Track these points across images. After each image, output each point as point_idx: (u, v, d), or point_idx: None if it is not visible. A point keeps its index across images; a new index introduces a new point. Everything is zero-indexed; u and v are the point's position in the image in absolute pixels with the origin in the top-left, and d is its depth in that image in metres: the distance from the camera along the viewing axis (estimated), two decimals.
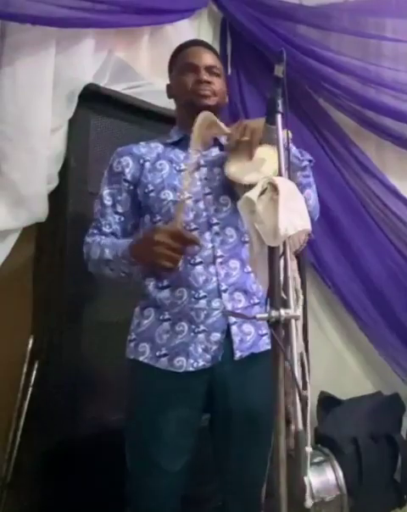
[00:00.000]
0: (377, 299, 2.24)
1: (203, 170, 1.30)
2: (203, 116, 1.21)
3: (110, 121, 1.79)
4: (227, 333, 1.19)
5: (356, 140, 2.28)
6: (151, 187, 1.28)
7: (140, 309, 1.28)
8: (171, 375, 1.19)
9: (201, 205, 1.25)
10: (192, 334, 1.20)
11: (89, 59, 1.70)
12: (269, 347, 1.22)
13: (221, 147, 1.35)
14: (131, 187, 1.31)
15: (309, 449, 0.74)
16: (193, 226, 1.23)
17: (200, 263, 1.21)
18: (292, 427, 0.77)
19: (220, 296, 1.20)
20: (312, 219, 1.34)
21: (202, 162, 1.31)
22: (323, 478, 1.70)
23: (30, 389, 1.54)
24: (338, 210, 2.22)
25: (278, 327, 0.82)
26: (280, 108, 0.98)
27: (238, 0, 2.20)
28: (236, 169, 1.19)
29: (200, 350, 1.19)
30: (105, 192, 1.32)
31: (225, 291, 1.21)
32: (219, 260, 1.22)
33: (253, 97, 2.26)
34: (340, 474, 1.72)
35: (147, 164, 1.31)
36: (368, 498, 1.84)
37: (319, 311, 2.34)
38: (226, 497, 1.30)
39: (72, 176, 1.67)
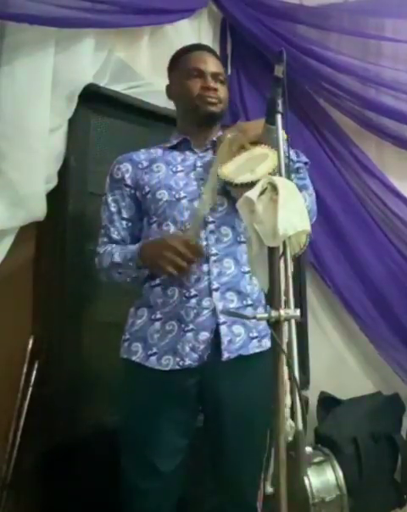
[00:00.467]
0: (377, 299, 2.24)
1: (199, 171, 1.31)
2: (230, 141, 1.22)
3: (110, 121, 1.79)
4: (216, 333, 1.19)
5: (356, 140, 2.27)
6: (147, 189, 1.29)
7: (134, 309, 1.29)
8: (160, 373, 1.19)
9: (196, 204, 1.26)
10: (181, 333, 1.20)
11: (89, 59, 1.70)
12: (259, 350, 1.23)
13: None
14: (133, 192, 1.33)
15: (309, 449, 0.74)
16: (188, 226, 1.24)
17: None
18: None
19: (210, 295, 1.20)
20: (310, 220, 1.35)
21: (199, 163, 1.32)
22: (323, 478, 1.70)
23: (30, 389, 1.54)
24: (338, 210, 2.22)
25: (278, 327, 0.82)
26: (280, 108, 0.98)
27: (238, 0, 2.20)
28: (228, 170, 1.19)
29: (187, 349, 1.19)
30: (109, 199, 1.34)
31: (216, 290, 1.21)
32: (212, 258, 1.22)
33: (253, 97, 2.26)
34: (340, 474, 1.72)
35: (145, 168, 1.33)
36: (368, 498, 1.84)
37: (319, 311, 2.34)
38: (222, 498, 1.30)
39: (72, 176, 1.67)
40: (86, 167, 1.70)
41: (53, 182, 1.61)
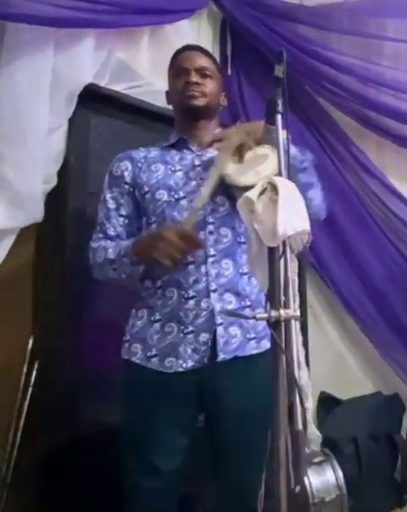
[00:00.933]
0: (377, 299, 2.24)
1: (199, 170, 1.31)
2: (237, 144, 1.21)
3: (110, 121, 1.79)
4: (215, 334, 1.19)
5: (356, 140, 2.27)
6: (146, 188, 1.29)
7: (135, 310, 1.30)
8: (162, 375, 1.20)
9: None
10: (181, 335, 1.20)
11: (89, 59, 1.70)
12: (256, 351, 1.23)
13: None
14: (132, 189, 1.33)
15: (308, 449, 0.74)
16: (183, 219, 1.24)
17: (191, 262, 1.22)
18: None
19: (208, 296, 1.20)
20: (319, 219, 1.35)
21: (197, 162, 1.32)
22: (323, 478, 1.70)
23: (30, 389, 1.54)
24: (338, 210, 2.22)
25: (278, 327, 0.82)
26: (280, 108, 0.98)
27: (238, 0, 2.20)
28: (232, 171, 1.19)
29: (189, 351, 1.19)
30: (108, 196, 1.34)
31: (214, 291, 1.21)
32: (211, 260, 1.22)
33: (253, 97, 2.26)
34: (340, 474, 1.71)
35: (144, 167, 1.33)
36: (368, 498, 1.84)
37: (319, 311, 2.34)
38: (223, 499, 1.30)
39: (72, 176, 1.67)
40: (86, 167, 1.70)
41: (53, 182, 1.61)
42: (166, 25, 1.96)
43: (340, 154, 2.26)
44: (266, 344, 1.23)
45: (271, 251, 0.86)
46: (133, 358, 1.23)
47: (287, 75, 0.98)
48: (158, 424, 1.20)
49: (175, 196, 1.27)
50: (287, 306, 0.82)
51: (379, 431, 1.98)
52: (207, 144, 1.35)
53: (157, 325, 1.23)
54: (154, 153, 1.37)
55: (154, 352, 1.21)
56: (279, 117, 0.97)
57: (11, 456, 1.49)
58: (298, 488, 0.73)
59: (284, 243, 0.85)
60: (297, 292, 0.97)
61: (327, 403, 2.13)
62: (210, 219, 1.25)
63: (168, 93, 1.42)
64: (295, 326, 0.81)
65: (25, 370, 1.56)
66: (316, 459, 1.77)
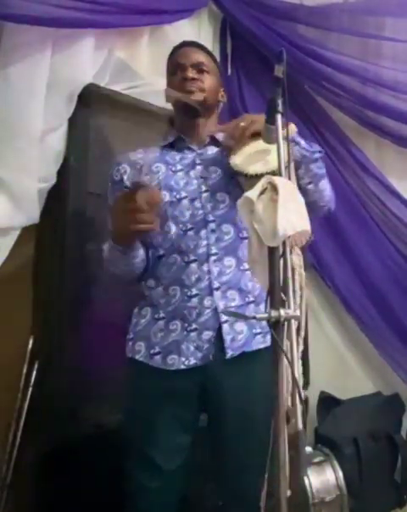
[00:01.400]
0: (377, 299, 2.24)
1: (199, 168, 1.31)
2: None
3: (110, 121, 1.79)
4: (219, 332, 1.20)
5: (356, 140, 2.27)
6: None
7: (138, 309, 1.30)
8: (164, 373, 1.20)
9: (197, 204, 1.26)
10: (185, 332, 1.20)
11: (89, 59, 1.70)
12: (262, 345, 1.23)
13: (217, 145, 1.35)
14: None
15: (309, 449, 0.74)
16: (189, 226, 1.24)
17: (194, 261, 1.22)
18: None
19: (211, 294, 1.20)
20: (329, 210, 1.36)
21: (198, 160, 1.32)
22: (323, 478, 1.70)
23: (30, 389, 1.54)
24: (338, 210, 2.21)
25: (278, 327, 0.82)
26: (280, 108, 0.98)
27: (238, 0, 2.20)
28: (240, 161, 1.19)
29: (192, 348, 1.19)
30: (111, 201, 1.33)
31: (217, 289, 1.21)
32: (213, 258, 1.22)
33: (253, 97, 2.25)
34: (340, 474, 1.72)
35: (144, 168, 1.32)
36: (368, 498, 1.84)
37: (319, 311, 2.34)
38: (225, 499, 1.30)
39: (72, 176, 1.67)
40: (86, 167, 1.70)
41: (52, 181, 1.61)
42: (166, 25, 1.96)
43: (339, 154, 2.26)
44: None
45: (271, 251, 0.86)
46: (137, 356, 1.24)
47: (287, 74, 0.98)
48: (160, 422, 1.20)
49: (177, 196, 1.27)
50: (286, 306, 0.82)
51: (379, 431, 1.98)
52: (207, 141, 1.35)
53: (161, 323, 1.23)
54: (153, 153, 1.36)
55: (157, 349, 1.22)
56: (279, 117, 0.97)
57: (11, 456, 1.49)
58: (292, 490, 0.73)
59: (284, 243, 0.85)
60: (304, 286, 0.97)
61: (327, 403, 2.13)
62: (211, 217, 1.25)
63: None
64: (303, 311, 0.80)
65: (25, 370, 1.56)
66: (316, 459, 1.77)
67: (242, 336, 1.21)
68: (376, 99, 2.18)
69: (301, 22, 2.23)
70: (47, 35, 1.54)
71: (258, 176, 1.08)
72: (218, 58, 2.08)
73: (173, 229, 1.24)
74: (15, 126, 1.49)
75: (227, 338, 1.19)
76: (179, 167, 1.31)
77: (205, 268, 1.22)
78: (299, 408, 0.77)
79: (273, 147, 1.12)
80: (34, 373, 1.55)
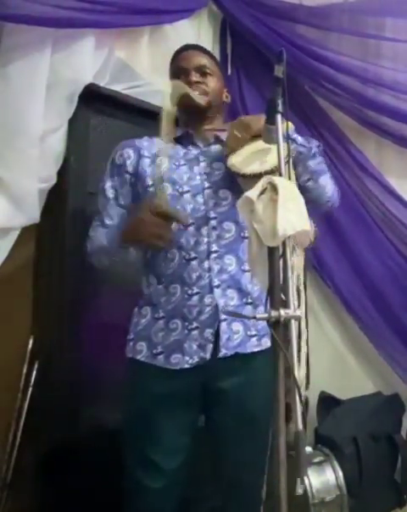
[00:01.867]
0: (377, 299, 2.24)
1: (203, 165, 1.30)
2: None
3: (110, 121, 1.79)
4: (217, 330, 1.20)
5: (355, 140, 2.27)
6: (150, 182, 1.28)
7: (138, 308, 1.29)
8: (168, 372, 1.20)
9: (200, 199, 1.26)
10: (186, 331, 1.20)
11: (89, 59, 1.69)
12: (257, 349, 1.23)
13: (222, 144, 1.35)
14: (133, 179, 1.32)
15: (309, 449, 0.74)
16: (190, 221, 1.23)
17: (195, 258, 1.22)
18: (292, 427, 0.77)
19: (211, 292, 1.20)
20: (333, 206, 1.36)
21: (202, 157, 1.32)
22: (323, 478, 1.70)
23: (30, 389, 1.54)
24: (338, 210, 2.21)
25: (278, 327, 0.82)
26: (280, 108, 0.98)
27: (238, 0, 2.20)
28: (236, 161, 1.19)
29: (195, 347, 1.19)
30: (107, 184, 1.33)
31: (217, 287, 1.21)
32: (213, 255, 1.22)
33: (253, 97, 2.26)
34: (340, 474, 1.72)
35: (147, 160, 1.32)
36: (368, 498, 1.84)
37: (319, 311, 2.34)
38: (225, 498, 1.30)
39: (72, 176, 1.67)
40: (86, 167, 1.70)
41: (51, 182, 1.61)
42: (166, 25, 1.96)
43: (339, 154, 2.26)
44: (267, 342, 1.23)
45: (271, 251, 0.86)
46: (138, 356, 1.23)
47: (287, 74, 0.98)
48: (161, 422, 1.20)
49: (179, 189, 1.26)
50: (286, 306, 0.82)
51: (379, 431, 1.98)
52: (212, 141, 1.35)
53: (161, 322, 1.23)
54: (158, 144, 1.35)
55: (160, 349, 1.21)
56: (279, 117, 0.97)
57: (11, 456, 1.49)
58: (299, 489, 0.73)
59: (284, 243, 0.85)
60: (302, 287, 0.97)
61: (327, 403, 2.13)
62: (212, 215, 1.24)
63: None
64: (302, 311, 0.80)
65: (25, 370, 1.56)
66: (316, 459, 1.77)
67: (237, 337, 1.21)
68: (376, 99, 2.18)
69: (301, 22, 2.23)
70: (47, 35, 1.54)
71: (254, 176, 1.08)
72: (218, 58, 2.08)
73: (174, 223, 1.24)
74: (16, 126, 1.49)
75: (223, 337, 1.19)
76: (183, 162, 1.31)
77: (206, 265, 1.21)
78: (299, 408, 0.77)
79: (272, 147, 1.13)
80: (34, 373, 1.55)
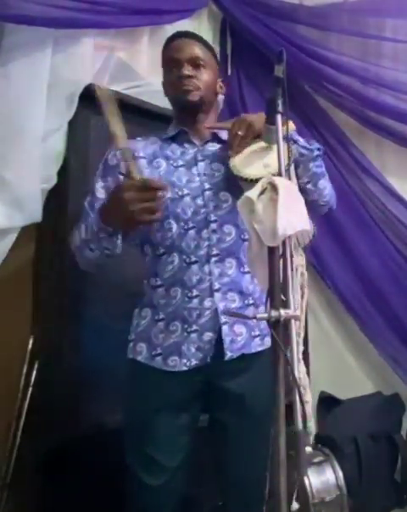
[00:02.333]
0: (377, 299, 2.24)
1: (201, 165, 1.29)
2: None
3: None
4: (219, 333, 1.19)
5: (356, 140, 2.27)
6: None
7: (138, 310, 1.29)
8: (166, 374, 1.20)
9: (199, 201, 1.24)
10: (185, 334, 1.20)
11: (89, 59, 1.70)
12: (261, 348, 1.23)
13: (219, 141, 1.34)
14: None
15: (309, 449, 0.74)
16: (191, 224, 1.22)
17: (195, 262, 1.21)
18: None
19: (212, 295, 1.20)
20: (331, 208, 1.35)
21: (199, 157, 1.30)
22: (323, 478, 1.70)
23: (30, 389, 1.54)
24: (338, 210, 2.21)
25: (278, 327, 0.82)
26: (280, 108, 0.98)
27: (238, 0, 2.20)
28: (238, 163, 1.18)
29: (193, 349, 1.19)
30: (99, 184, 1.29)
31: (217, 290, 1.20)
32: (213, 259, 1.21)
33: (253, 97, 2.26)
34: (340, 474, 1.72)
35: (143, 161, 1.29)
36: (368, 498, 1.84)
37: (319, 311, 2.34)
38: (227, 498, 1.30)
39: (72, 176, 1.67)
40: (86, 167, 1.70)
41: (52, 182, 1.61)
42: (166, 25, 1.95)
43: (339, 154, 2.26)
44: (269, 341, 1.23)
45: (271, 251, 0.86)
46: (138, 358, 1.24)
47: (287, 74, 0.98)
48: (160, 422, 1.20)
49: (179, 192, 1.25)
50: (286, 306, 0.82)
51: (379, 431, 1.98)
52: (208, 137, 1.34)
53: (161, 324, 1.23)
54: (154, 144, 1.34)
55: (159, 351, 1.21)
56: (279, 117, 0.97)
57: (11, 456, 1.49)
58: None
59: (284, 243, 0.85)
60: (306, 285, 0.97)
61: (327, 403, 2.13)
62: (213, 217, 1.23)
63: (163, 84, 1.38)
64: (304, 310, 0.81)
65: (25, 370, 1.56)
66: (316, 459, 1.77)
67: (241, 338, 1.21)
68: (377, 99, 2.18)
69: (301, 22, 2.23)
70: (48, 35, 1.54)
71: (257, 181, 1.07)
72: (218, 58, 2.08)
73: (174, 227, 1.22)
74: (18, 126, 1.49)
75: (227, 340, 1.19)
76: (180, 162, 1.29)
77: (206, 269, 1.21)
78: (299, 408, 0.77)
79: (273, 147, 1.12)
80: (34, 373, 1.55)
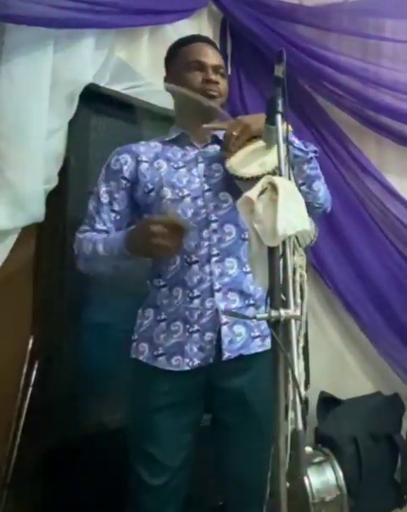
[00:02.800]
0: (377, 299, 2.24)
1: (201, 167, 1.30)
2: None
3: (110, 121, 1.79)
4: (219, 333, 1.20)
5: (355, 139, 2.28)
6: (150, 186, 1.28)
7: (142, 310, 1.30)
8: (168, 374, 1.20)
9: (200, 202, 1.25)
10: (187, 334, 1.20)
11: (89, 59, 1.70)
12: (260, 349, 1.23)
13: (220, 143, 1.34)
14: (129, 185, 1.30)
15: (309, 449, 0.74)
16: (191, 224, 1.23)
17: (196, 262, 1.22)
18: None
19: (212, 295, 1.20)
20: (325, 211, 1.35)
21: (200, 158, 1.31)
22: (323, 478, 1.70)
23: (30, 389, 1.54)
24: (338, 210, 2.22)
25: (278, 327, 0.82)
26: (280, 108, 0.98)
27: (238, 0, 2.20)
28: (234, 163, 1.19)
29: (195, 349, 1.20)
30: (102, 189, 1.30)
31: (218, 290, 1.21)
32: (214, 259, 1.22)
33: (253, 97, 2.26)
34: (340, 474, 1.72)
35: (145, 164, 1.31)
36: (368, 497, 1.84)
37: (319, 311, 2.34)
38: (228, 497, 1.30)
39: (72, 176, 1.67)
40: (86, 167, 1.70)
41: (53, 183, 1.61)
42: (166, 25, 1.96)
43: (339, 154, 2.26)
44: (270, 342, 1.23)
45: (271, 251, 0.86)
46: (141, 358, 1.24)
47: (287, 74, 0.98)
48: (162, 421, 1.20)
49: (180, 194, 1.25)
50: (286, 306, 0.82)
51: (379, 431, 1.98)
52: (209, 139, 1.34)
53: (163, 325, 1.23)
54: (156, 148, 1.34)
55: (161, 351, 1.22)
56: (279, 117, 0.97)
57: (11, 456, 1.49)
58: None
59: (284, 243, 0.85)
60: (305, 288, 0.96)
61: (327, 403, 2.13)
62: (213, 217, 1.24)
63: (166, 79, 1.37)
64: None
65: (25, 370, 1.56)
66: (316, 459, 1.77)
67: (240, 339, 1.21)
68: (376, 99, 2.18)
69: (301, 22, 2.23)
70: (49, 34, 1.54)
71: (254, 179, 1.07)
72: None
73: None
74: (21, 126, 1.49)
75: (225, 340, 1.19)
76: (181, 164, 1.30)
77: (207, 269, 1.21)
78: (299, 408, 0.77)
79: (271, 147, 1.12)
80: (34, 373, 1.55)
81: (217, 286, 1.21)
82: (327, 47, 2.21)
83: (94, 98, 1.70)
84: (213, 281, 1.21)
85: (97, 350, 1.66)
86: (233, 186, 1.22)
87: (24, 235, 1.56)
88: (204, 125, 1.32)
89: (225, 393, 1.22)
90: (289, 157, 1.14)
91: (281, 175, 0.91)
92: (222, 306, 1.20)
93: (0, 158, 1.48)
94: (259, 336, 1.24)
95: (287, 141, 0.95)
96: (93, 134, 1.74)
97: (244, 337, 1.22)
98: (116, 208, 1.30)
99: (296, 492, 0.75)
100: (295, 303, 0.84)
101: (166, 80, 1.38)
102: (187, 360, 1.19)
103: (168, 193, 1.25)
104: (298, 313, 0.82)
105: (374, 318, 2.24)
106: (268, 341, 1.24)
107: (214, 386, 1.22)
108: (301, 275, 1.04)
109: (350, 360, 2.32)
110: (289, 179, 0.95)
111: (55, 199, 1.61)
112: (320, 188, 1.29)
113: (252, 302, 1.25)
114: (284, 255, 0.85)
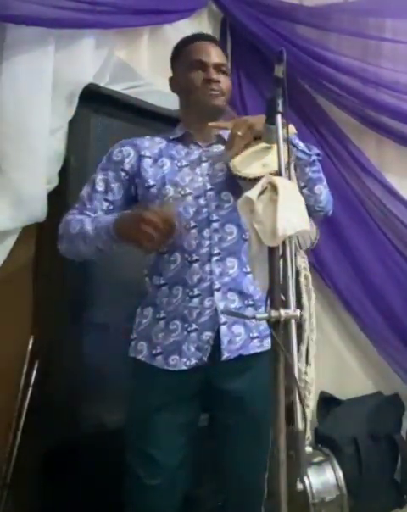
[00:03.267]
0: (377, 299, 2.24)
1: (205, 166, 1.29)
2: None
3: (110, 121, 1.79)
4: (218, 333, 1.19)
5: (355, 139, 2.27)
6: (152, 182, 1.27)
7: (141, 309, 1.30)
8: (166, 372, 1.20)
9: (202, 201, 1.25)
10: (185, 333, 1.20)
11: (89, 59, 1.70)
12: (260, 350, 1.23)
13: (224, 143, 1.34)
14: (127, 178, 1.30)
15: (309, 449, 0.74)
16: (193, 224, 1.23)
17: (197, 261, 1.22)
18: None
19: (212, 294, 1.20)
20: (327, 213, 1.35)
21: (204, 157, 1.31)
22: (323, 478, 1.70)
23: (30, 389, 1.54)
24: (338, 210, 2.21)
25: (278, 327, 0.82)
26: (280, 108, 0.98)
27: (238, 0, 2.20)
28: (237, 163, 1.19)
29: (193, 349, 1.20)
30: (99, 177, 1.30)
31: (218, 290, 1.21)
32: (215, 258, 1.22)
33: (253, 96, 2.26)
34: (340, 474, 1.72)
35: (148, 160, 1.30)
36: (368, 498, 1.84)
37: (319, 311, 2.33)
38: (227, 497, 1.30)
39: (72, 176, 1.67)
40: (87, 167, 1.70)
41: (54, 183, 1.61)
42: (166, 25, 1.96)
43: (339, 154, 2.26)
44: (269, 343, 1.23)
45: (271, 251, 0.86)
46: (139, 356, 1.24)
47: (287, 74, 0.97)
48: (159, 421, 1.20)
49: (182, 192, 1.25)
50: (286, 306, 0.82)
51: (379, 431, 1.98)
52: (213, 139, 1.34)
53: (161, 323, 1.23)
54: (160, 144, 1.34)
55: (159, 349, 1.22)
56: (279, 117, 0.97)
57: (11, 456, 1.49)
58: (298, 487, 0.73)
59: (284, 243, 0.85)
60: (311, 288, 0.96)
61: (327, 403, 2.13)
62: (215, 217, 1.24)
63: (173, 80, 1.38)
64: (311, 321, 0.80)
65: (25, 370, 1.56)
66: (316, 459, 1.77)
67: (239, 339, 1.21)
68: (377, 99, 2.18)
69: (301, 22, 2.23)
70: (50, 34, 1.54)
71: (256, 179, 1.07)
72: None
73: (176, 225, 1.23)
74: (24, 125, 1.49)
75: (224, 340, 1.19)
76: (184, 162, 1.30)
77: (207, 268, 1.21)
78: (299, 408, 0.77)
79: (273, 147, 1.12)
80: (34, 373, 1.56)
81: (217, 286, 1.21)
82: (327, 47, 2.21)
83: (94, 98, 1.70)
84: (213, 280, 1.21)
85: (97, 350, 1.66)
86: (236, 186, 1.22)
87: (24, 235, 1.56)
88: (209, 124, 1.32)
89: (224, 394, 1.22)
90: (293, 158, 1.14)
91: (280, 174, 0.91)
92: (221, 306, 1.20)
93: (2, 158, 1.48)
94: (257, 337, 1.24)
95: (287, 141, 0.95)
96: (93, 134, 1.74)
97: (243, 338, 1.22)
98: (110, 197, 1.29)
99: (296, 493, 0.74)
100: (301, 305, 0.84)
101: (172, 79, 1.39)
102: (184, 360, 1.19)
103: (170, 191, 1.25)
104: (297, 313, 0.82)
105: (374, 318, 2.24)
106: (266, 342, 1.24)
107: (212, 386, 1.22)
108: (306, 277, 1.04)
109: (350, 360, 2.32)
110: (290, 179, 0.95)
111: (55, 199, 1.61)
112: (322, 191, 1.29)
113: (251, 302, 1.25)
114: (284, 255, 0.85)
